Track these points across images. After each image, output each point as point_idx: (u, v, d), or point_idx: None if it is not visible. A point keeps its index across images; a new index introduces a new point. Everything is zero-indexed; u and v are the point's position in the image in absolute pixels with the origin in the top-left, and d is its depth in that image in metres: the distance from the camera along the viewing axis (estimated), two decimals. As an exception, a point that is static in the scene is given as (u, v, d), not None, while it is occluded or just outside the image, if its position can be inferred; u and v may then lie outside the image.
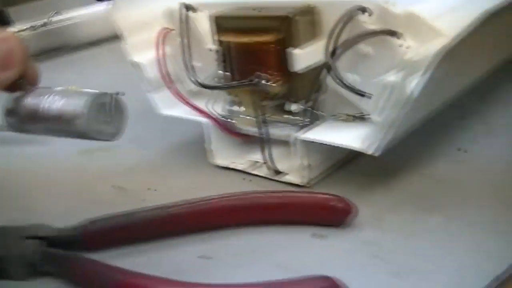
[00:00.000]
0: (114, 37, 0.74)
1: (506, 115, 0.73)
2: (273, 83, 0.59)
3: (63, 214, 0.61)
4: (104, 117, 0.49)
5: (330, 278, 0.45)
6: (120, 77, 0.76)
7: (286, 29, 0.57)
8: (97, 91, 0.49)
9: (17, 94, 0.51)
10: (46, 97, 0.50)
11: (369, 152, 0.54)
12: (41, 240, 0.53)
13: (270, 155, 0.61)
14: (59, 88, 0.51)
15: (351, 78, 0.57)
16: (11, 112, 0.52)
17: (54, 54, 1.25)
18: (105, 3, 1.26)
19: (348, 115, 0.59)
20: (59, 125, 0.49)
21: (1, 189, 0.69)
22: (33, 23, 1.25)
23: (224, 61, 0.63)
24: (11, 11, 1.40)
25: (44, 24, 1.26)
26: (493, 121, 0.71)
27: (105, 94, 0.48)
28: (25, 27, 1.24)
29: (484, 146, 0.66)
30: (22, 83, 0.51)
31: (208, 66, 0.66)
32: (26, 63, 0.50)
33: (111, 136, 0.50)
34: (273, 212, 0.56)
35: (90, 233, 0.55)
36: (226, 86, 0.63)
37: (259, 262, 0.51)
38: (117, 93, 0.49)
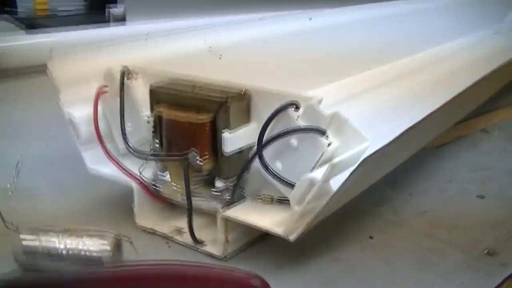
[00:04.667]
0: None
1: (412, 204, 0.78)
2: (203, 160, 0.62)
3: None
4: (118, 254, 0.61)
5: None
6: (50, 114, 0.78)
7: (221, 112, 0.61)
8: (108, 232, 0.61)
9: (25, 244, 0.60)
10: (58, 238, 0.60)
11: (286, 237, 0.58)
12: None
13: (191, 225, 0.64)
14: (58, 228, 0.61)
15: (276, 164, 0.61)
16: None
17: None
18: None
19: (267, 197, 0.63)
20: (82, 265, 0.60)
21: None
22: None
23: (156, 131, 0.66)
24: None
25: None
26: (401, 210, 0.77)
27: (116, 236, 0.61)
28: None
29: (391, 235, 0.70)
30: None
31: (140, 132, 0.69)
32: None
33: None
34: (197, 285, 0.58)
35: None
36: (157, 157, 0.66)
37: None
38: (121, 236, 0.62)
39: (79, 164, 0.75)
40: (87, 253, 0.60)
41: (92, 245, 0.60)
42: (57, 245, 0.60)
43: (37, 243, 0.60)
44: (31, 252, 0.60)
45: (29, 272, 0.59)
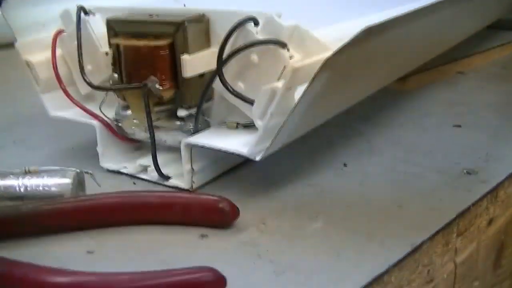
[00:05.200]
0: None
1: (386, 135, 0.77)
2: (163, 87, 0.59)
3: None
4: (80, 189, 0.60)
5: (213, 269, 0.46)
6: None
7: (178, 35, 0.59)
8: (69, 169, 0.59)
9: None
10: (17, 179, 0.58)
11: (250, 156, 0.56)
12: None
13: (156, 159, 0.62)
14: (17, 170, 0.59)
15: (239, 85, 0.58)
16: None
17: None
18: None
19: (232, 123, 0.61)
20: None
21: None
22: None
23: (115, 64, 0.63)
24: None
25: None
26: (374, 140, 0.75)
27: (79, 172, 0.60)
28: None
29: (365, 162, 0.69)
30: None
31: (102, 70, 0.66)
32: None
33: None
34: (161, 212, 0.56)
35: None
36: (115, 88, 0.63)
37: (144, 258, 0.52)
38: (85, 172, 0.61)
39: (44, 122, 0.73)
40: (46, 188, 0.57)
41: (53, 181, 0.58)
42: (16, 186, 0.58)
43: None
44: None
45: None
